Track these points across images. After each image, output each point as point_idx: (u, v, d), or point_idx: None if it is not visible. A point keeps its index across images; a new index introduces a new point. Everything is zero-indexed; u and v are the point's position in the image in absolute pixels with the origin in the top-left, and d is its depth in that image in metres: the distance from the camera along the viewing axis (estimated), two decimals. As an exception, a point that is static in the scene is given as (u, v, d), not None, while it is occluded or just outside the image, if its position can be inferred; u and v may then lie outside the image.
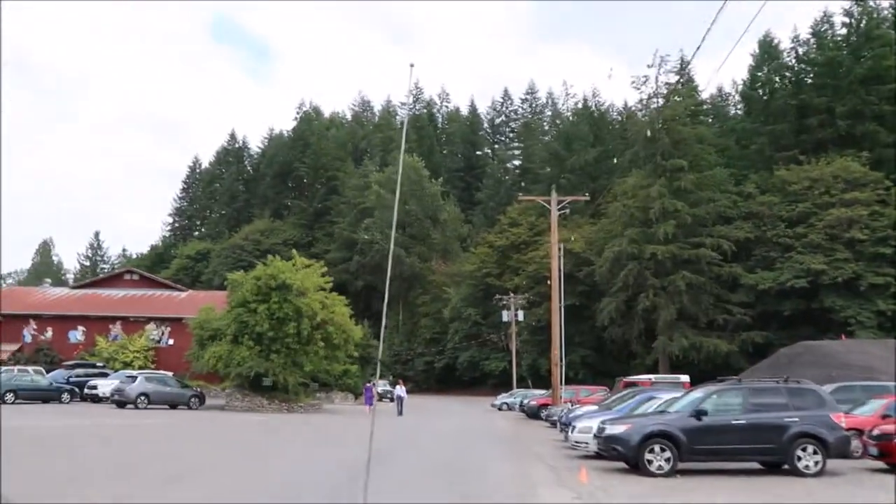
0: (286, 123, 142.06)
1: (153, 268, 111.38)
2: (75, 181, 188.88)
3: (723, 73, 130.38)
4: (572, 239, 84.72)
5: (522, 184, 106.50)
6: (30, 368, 43.81)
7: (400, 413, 43.78)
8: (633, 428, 16.94)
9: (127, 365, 51.40)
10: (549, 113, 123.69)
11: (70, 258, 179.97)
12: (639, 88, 78.68)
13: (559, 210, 40.29)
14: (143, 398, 38.69)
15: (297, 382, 41.61)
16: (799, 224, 74.16)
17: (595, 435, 18.28)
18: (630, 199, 77.19)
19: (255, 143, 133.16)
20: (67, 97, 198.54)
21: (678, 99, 77.69)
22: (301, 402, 42.84)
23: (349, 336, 42.91)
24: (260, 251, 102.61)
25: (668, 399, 19.83)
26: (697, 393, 18.08)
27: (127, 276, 60.80)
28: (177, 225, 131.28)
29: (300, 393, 44.15)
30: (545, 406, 40.60)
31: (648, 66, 78.46)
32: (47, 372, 44.80)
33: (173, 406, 40.61)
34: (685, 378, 36.38)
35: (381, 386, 69.31)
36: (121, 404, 38.73)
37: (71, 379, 44.02)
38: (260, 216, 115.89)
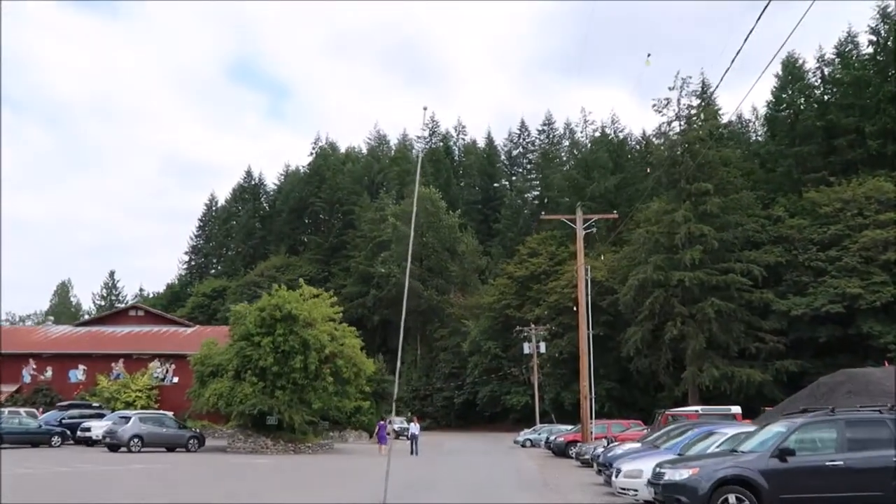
0: (302, 159, 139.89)
1: (169, 306, 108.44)
2: (94, 222, 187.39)
3: (741, 96, 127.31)
4: (595, 266, 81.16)
5: (543, 213, 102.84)
6: (22, 410, 40.49)
7: (414, 452, 39.97)
8: (700, 472, 13.18)
9: (129, 405, 48.05)
10: (567, 143, 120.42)
11: (88, 299, 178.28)
12: (660, 111, 75.22)
13: (585, 229, 36.59)
14: (136, 440, 35.12)
15: (305, 421, 37.93)
16: (832, 247, 70.57)
17: (650, 481, 14.50)
18: (654, 225, 73.56)
19: (272, 180, 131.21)
20: (88, 138, 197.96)
21: (700, 122, 74.07)
22: (309, 442, 39.11)
23: (361, 370, 39.27)
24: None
25: (733, 435, 16.04)
26: (778, 426, 14.30)
27: (132, 313, 57.54)
28: (193, 263, 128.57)
29: (308, 432, 40.46)
30: (574, 443, 36.72)
31: (670, 89, 75.16)
32: (44, 412, 41.35)
33: (171, 448, 37.02)
34: (736, 409, 32.37)
35: (398, 423, 65.37)
36: (113, 447, 35.20)
37: (64, 420, 40.52)
38: (276, 252, 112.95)
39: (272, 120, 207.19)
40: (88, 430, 39.02)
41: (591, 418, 35.14)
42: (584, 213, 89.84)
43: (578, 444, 34.61)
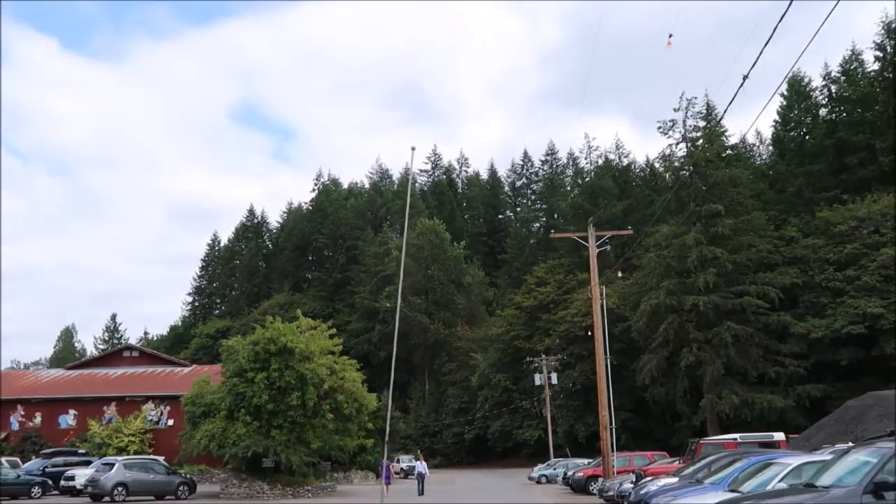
0: (304, 196, 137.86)
1: (172, 348, 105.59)
2: (100, 269, 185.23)
3: (746, 119, 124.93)
4: (605, 293, 78.32)
5: (553, 231, 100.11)
6: (3, 459, 37.38)
7: (421, 493, 36.86)
8: (776, 516, 10.23)
9: (121, 451, 45.00)
10: (571, 172, 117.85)
11: (91, 344, 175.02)
12: (666, 133, 72.79)
13: (598, 247, 33.83)
14: (120, 489, 32.04)
15: (304, 462, 34.83)
16: (849, 266, 67.86)
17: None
18: (664, 249, 70.73)
19: (275, 219, 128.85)
20: (94, 185, 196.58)
21: (707, 144, 71.52)
22: (309, 485, 36.01)
23: (363, 405, 36.25)
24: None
25: (798, 466, 13.06)
26: (863, 454, 11.33)
27: (126, 354, 54.50)
28: (196, 304, 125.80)
29: (309, 474, 37.41)
30: (595, 478, 33.60)
31: (675, 110, 72.76)
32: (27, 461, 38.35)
33: (160, 497, 33.94)
34: (780, 436, 29.17)
35: (407, 461, 62.13)
36: (96, 497, 32.16)
37: (47, 469, 37.46)
38: (279, 290, 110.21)
39: (277, 162, 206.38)
40: (72, 478, 35.86)
41: (613, 451, 32.00)
42: (596, 231, 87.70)
43: (600, 480, 31.53)
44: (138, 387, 49.31)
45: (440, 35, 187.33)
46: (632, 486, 22.37)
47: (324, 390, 35.20)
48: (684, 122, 73.00)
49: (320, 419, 35.10)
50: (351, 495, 37.44)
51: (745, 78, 15.10)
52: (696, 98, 73.46)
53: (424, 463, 40.53)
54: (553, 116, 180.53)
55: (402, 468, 61.15)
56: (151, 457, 38.54)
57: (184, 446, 37.45)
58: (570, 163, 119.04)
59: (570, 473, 37.47)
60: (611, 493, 26.04)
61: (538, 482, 49.78)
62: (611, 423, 32.10)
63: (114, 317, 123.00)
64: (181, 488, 34.09)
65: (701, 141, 71.94)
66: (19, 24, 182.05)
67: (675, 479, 18.47)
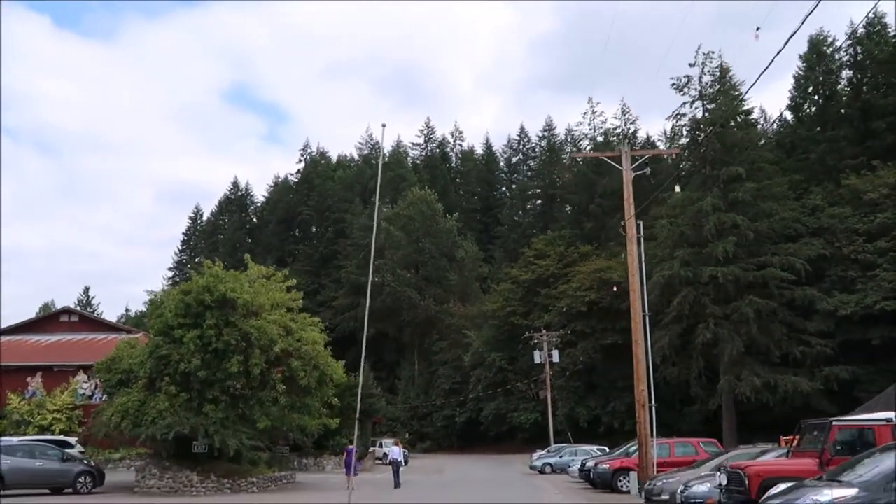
0: (291, 167, 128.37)
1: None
2: (88, 250, 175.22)
3: (761, 89, 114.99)
4: (609, 267, 69.44)
5: (553, 212, 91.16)
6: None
7: (396, 485, 28.12)
8: None
9: (44, 430, 36.02)
10: (569, 149, 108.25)
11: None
12: (681, 90, 63.80)
13: (635, 171, 24.93)
14: (-7, 481, 23.00)
15: (246, 446, 25.71)
16: (880, 237, 59.36)
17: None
18: (677, 217, 61.95)
19: (261, 193, 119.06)
20: (82, 166, 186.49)
21: (727, 101, 62.60)
22: (255, 476, 26.86)
23: (326, 375, 27.19)
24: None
25: None
26: None
27: (63, 318, 45.10)
28: (177, 279, 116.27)
29: (259, 461, 28.32)
30: (624, 471, 24.66)
31: (690, 66, 63.82)
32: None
33: (57, 490, 24.93)
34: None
35: (390, 446, 53.12)
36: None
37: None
38: (262, 265, 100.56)
39: (269, 144, 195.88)
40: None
41: (653, 435, 23.07)
42: (595, 211, 78.25)
43: (632, 474, 22.81)
44: (71, 355, 40.00)
45: (433, 20, 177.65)
46: (719, 490, 13.53)
47: (275, 354, 26.29)
48: (700, 78, 64.23)
49: (269, 391, 26.21)
50: (310, 488, 28.54)
51: (758, 29, 14.48)
52: (713, 53, 64.58)
53: (400, 448, 31.86)
54: (549, 102, 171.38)
55: (384, 454, 52.15)
56: (62, 438, 29.58)
57: (92, 424, 28.30)
58: (569, 138, 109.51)
59: (589, 464, 28.43)
60: (665, 498, 17.12)
61: (541, 472, 40.86)
62: (650, 400, 23.17)
63: (86, 290, 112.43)
64: (81, 479, 25.12)
65: (718, 95, 63.00)
66: (10, 0, 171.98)
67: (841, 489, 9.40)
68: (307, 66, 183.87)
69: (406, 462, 55.22)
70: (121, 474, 30.82)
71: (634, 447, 27.61)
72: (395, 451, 31.61)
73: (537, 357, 59.69)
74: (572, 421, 64.25)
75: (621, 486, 25.16)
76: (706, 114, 63.46)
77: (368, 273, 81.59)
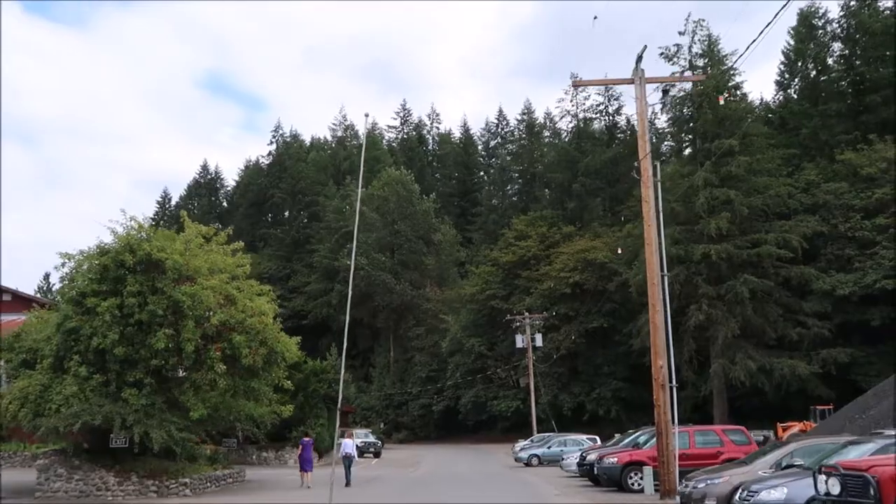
0: (263, 149, 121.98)
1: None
2: (64, 239, 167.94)
3: (750, 67, 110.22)
4: (594, 247, 64.86)
5: (534, 192, 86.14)
6: None
7: (348, 483, 23.36)
8: None
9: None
10: (549, 133, 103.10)
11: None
12: (670, 59, 59.16)
13: (662, 93, 19.97)
14: None
15: (175, 439, 20.54)
16: (878, 214, 55.22)
17: None
18: (668, 192, 57.28)
19: (232, 178, 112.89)
20: (58, 154, 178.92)
21: (717, 70, 58.08)
22: (188, 475, 21.71)
23: (276, 353, 22.07)
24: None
25: None
26: None
27: (-3, 297, 39.55)
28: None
29: (200, 458, 23.19)
30: (636, 465, 19.89)
31: (680, 34, 59.23)
32: None
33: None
34: None
35: (362, 437, 48.19)
36: None
37: None
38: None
39: (246, 133, 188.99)
40: None
41: (674, 421, 18.27)
42: (578, 190, 73.55)
43: (646, 469, 18.06)
44: (-6, 337, 34.36)
45: (412, 6, 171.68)
46: (824, 501, 8.67)
47: (212, 328, 21.12)
48: (690, 47, 59.71)
49: (206, 373, 21.09)
50: (257, 488, 23.52)
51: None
52: (703, 21, 60.14)
53: (353, 441, 26.95)
54: (528, 89, 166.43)
55: (357, 447, 47.12)
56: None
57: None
58: (548, 122, 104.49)
59: (590, 456, 23.54)
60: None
61: (527, 464, 35.99)
62: (671, 380, 18.35)
63: (46, 276, 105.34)
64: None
65: (708, 64, 58.50)
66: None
67: None
68: (285, 53, 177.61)
69: (379, 454, 50.44)
70: (22, 474, 25.53)
71: (644, 436, 22.96)
72: (347, 443, 26.76)
73: (519, 341, 54.97)
74: (555, 409, 59.63)
75: (632, 484, 20.48)
76: (698, 85, 58.91)
77: (342, 257, 76.44)
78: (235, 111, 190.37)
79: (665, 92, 19.51)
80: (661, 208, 19.72)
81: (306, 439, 26.21)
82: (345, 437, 27.49)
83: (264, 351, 21.51)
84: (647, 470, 19.56)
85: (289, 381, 23.32)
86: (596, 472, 21.69)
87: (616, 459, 21.08)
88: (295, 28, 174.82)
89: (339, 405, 18.59)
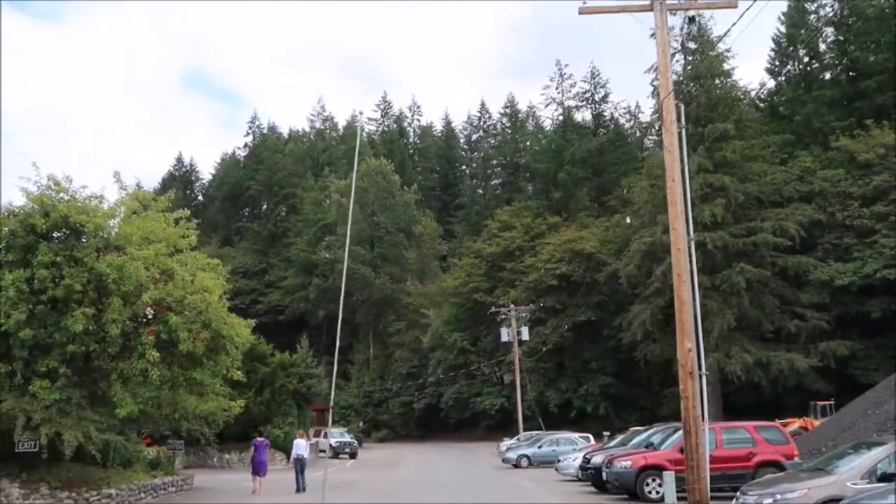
0: (239, 141, 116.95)
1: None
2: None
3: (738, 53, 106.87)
4: (581, 237, 61.39)
5: (518, 183, 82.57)
6: None
7: (299, 488, 19.62)
8: None
9: None
10: (532, 127, 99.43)
11: None
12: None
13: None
14: None
15: (98, 442, 16.54)
16: (877, 201, 52.16)
17: None
18: (659, 179, 53.86)
19: (208, 171, 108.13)
20: (32, 148, 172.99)
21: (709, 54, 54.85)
22: (115, 485, 17.71)
23: (223, 338, 18.08)
24: (204, 281, 77.82)
25: None
26: None
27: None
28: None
29: (136, 462, 19.19)
30: (654, 470, 16.14)
31: (672, 14, 55.23)
32: None
33: None
34: None
35: (337, 436, 44.26)
36: None
37: None
38: (208, 244, 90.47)
39: (228, 130, 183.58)
40: None
41: (704, 418, 14.59)
42: (563, 180, 69.92)
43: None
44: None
45: (396, 7, 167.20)
46: None
47: (144, 307, 17.07)
48: (682, 28, 56.13)
49: (136, 361, 17.02)
50: (202, 498, 19.45)
51: None
52: (696, -1, 56.54)
53: (305, 441, 23.02)
54: (512, 85, 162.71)
55: (329, 444, 43.15)
56: None
57: None
58: (531, 116, 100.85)
59: (595, 458, 19.77)
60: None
61: (516, 466, 32.17)
62: (700, 366, 14.61)
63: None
64: None
65: (702, 48, 55.16)
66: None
67: None
68: (264, 47, 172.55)
69: (355, 455, 46.53)
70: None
71: (659, 435, 19.26)
72: (299, 444, 22.92)
73: (505, 334, 51.30)
74: (541, 406, 55.95)
75: (649, 492, 16.85)
76: (688, 67, 55.71)
77: (320, 250, 72.17)
78: (213, 106, 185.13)
79: (691, 20, 15.82)
80: (686, 160, 15.99)
81: (259, 439, 22.37)
82: (298, 438, 23.55)
83: (207, 335, 17.59)
84: (669, 476, 15.84)
85: (239, 372, 19.38)
86: (605, 477, 17.94)
87: (629, 463, 17.38)
88: (274, 22, 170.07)
89: (330, 402, 15.22)
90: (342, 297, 17.78)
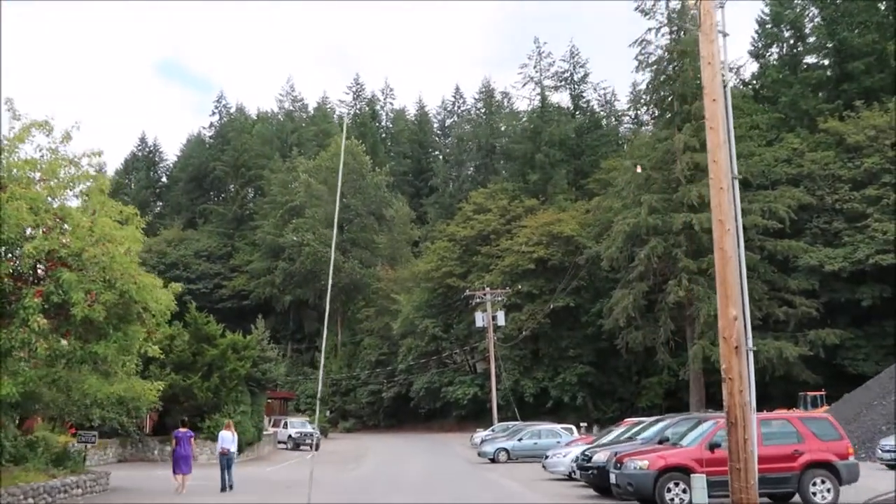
0: (205, 121, 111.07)
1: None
2: None
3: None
4: (560, 219, 57.88)
5: (494, 165, 78.84)
6: None
7: (224, 486, 15.72)
8: None
9: None
10: (507, 112, 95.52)
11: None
12: (646, 14, 52.06)
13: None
14: None
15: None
16: (868, 185, 49.40)
17: None
18: (644, 158, 50.80)
19: (174, 153, 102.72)
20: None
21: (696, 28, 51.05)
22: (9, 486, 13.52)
23: (135, 302, 13.96)
24: (165, 265, 73.18)
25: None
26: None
27: None
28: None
29: (34, 459, 15.05)
30: (678, 473, 12.30)
31: (657, -6, 52.17)
32: None
33: None
34: None
35: (298, 427, 40.18)
36: None
37: None
38: (172, 226, 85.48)
39: (197, 114, 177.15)
40: None
41: (753, 409, 10.74)
42: (541, 161, 66.28)
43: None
44: None
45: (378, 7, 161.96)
46: None
47: (28, 260, 12.87)
48: (667, 2, 52.90)
49: (17, 329, 12.78)
50: (116, 500, 15.35)
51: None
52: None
53: (233, 435, 19.11)
54: (488, 74, 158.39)
55: (289, 435, 39.02)
56: None
57: None
58: (506, 100, 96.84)
59: (598, 456, 16.01)
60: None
61: (493, 460, 28.34)
62: (747, 340, 10.66)
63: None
64: None
65: (689, 21, 51.42)
66: None
67: None
68: (238, 32, 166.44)
69: (317, 447, 42.46)
70: None
71: (677, 428, 15.53)
72: (224, 437, 19.21)
73: (479, 319, 47.52)
74: (516, 395, 52.30)
75: (671, 500, 13.05)
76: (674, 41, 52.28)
77: (287, 233, 67.72)
78: (186, 94, 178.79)
79: None
80: (727, 78, 12.22)
81: (182, 431, 18.40)
82: (224, 430, 19.54)
83: (111, 297, 13.49)
84: (698, 479, 12.07)
85: (157, 347, 15.33)
86: (615, 480, 14.17)
87: (646, 463, 13.63)
88: (245, 11, 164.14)
89: (318, 390, 11.23)
90: (329, 290, 15.60)
